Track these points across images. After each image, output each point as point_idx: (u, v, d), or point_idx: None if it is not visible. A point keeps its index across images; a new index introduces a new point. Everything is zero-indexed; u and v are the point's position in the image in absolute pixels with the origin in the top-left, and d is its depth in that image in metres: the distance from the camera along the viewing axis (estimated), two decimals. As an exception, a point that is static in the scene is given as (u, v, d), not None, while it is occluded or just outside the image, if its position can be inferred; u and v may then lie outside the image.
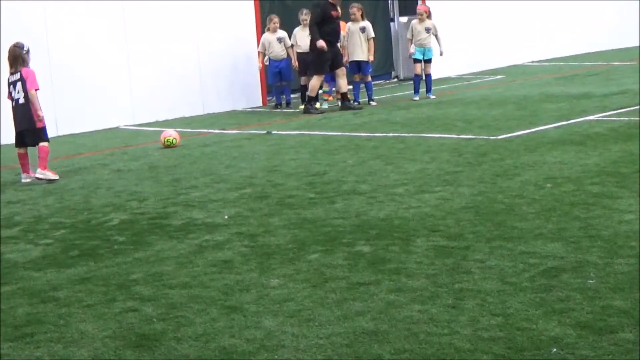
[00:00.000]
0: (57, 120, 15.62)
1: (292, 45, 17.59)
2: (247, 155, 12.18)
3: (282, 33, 17.68)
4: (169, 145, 13.29)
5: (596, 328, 5.02)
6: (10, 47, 11.19)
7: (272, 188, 9.73)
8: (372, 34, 17.30)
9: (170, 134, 13.57)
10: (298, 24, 17.77)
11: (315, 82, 16.68)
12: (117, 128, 16.31)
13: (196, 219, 8.48)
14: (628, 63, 21.97)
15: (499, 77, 21.59)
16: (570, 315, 5.25)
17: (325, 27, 16.45)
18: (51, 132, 15.40)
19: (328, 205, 8.67)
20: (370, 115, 15.71)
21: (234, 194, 9.54)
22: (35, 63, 15.19)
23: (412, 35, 17.48)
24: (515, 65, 24.06)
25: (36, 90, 11.10)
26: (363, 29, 17.16)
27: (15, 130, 11.29)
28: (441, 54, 17.84)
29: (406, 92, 18.76)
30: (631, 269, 6.04)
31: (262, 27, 18.54)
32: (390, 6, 21.94)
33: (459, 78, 21.00)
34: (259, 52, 17.86)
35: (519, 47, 24.38)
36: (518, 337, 4.96)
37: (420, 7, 18.31)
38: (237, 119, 16.71)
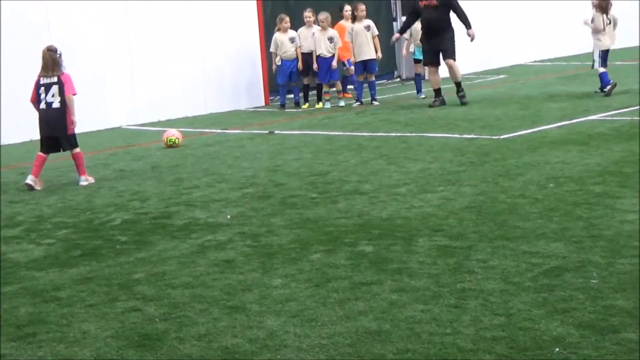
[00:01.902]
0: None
1: (300, 46, 17.56)
2: (249, 155, 12.18)
3: (293, 33, 17.63)
4: (171, 145, 13.29)
5: (599, 328, 5.02)
6: (44, 51, 10.92)
7: (275, 188, 9.73)
8: (377, 32, 17.33)
9: (173, 133, 13.57)
10: (301, 24, 17.76)
11: (430, 77, 16.20)
12: (119, 128, 16.31)
13: (198, 219, 8.48)
14: (630, 63, 21.95)
15: (501, 76, 21.58)
16: (573, 315, 5.25)
17: (420, 19, 16.07)
18: (53, 132, 15.48)
19: (330, 205, 8.67)
20: (373, 115, 15.71)
21: (237, 194, 9.54)
22: (37, 62, 15.27)
23: (411, 35, 17.38)
24: (517, 65, 24.03)
25: (74, 95, 10.97)
26: (368, 27, 17.16)
27: (44, 134, 10.93)
28: None
29: (409, 92, 18.75)
30: (634, 269, 6.04)
31: (264, 27, 18.53)
32: (392, 6, 21.93)
33: (461, 78, 20.96)
34: (271, 52, 17.78)
35: (521, 47, 24.35)
36: (520, 337, 4.96)
37: None
38: (240, 119, 16.71)
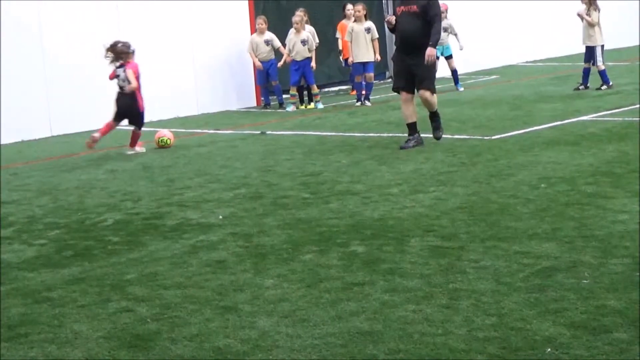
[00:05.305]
0: (51, 121, 15.59)
1: (285, 46, 17.57)
2: (241, 155, 12.18)
3: (269, 35, 17.69)
4: (163, 146, 13.28)
5: (590, 328, 5.03)
6: (114, 44, 13.02)
7: (267, 188, 9.72)
8: (377, 35, 17.40)
9: (165, 134, 13.56)
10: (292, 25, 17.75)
11: (402, 107, 12.29)
12: (111, 128, 16.27)
13: (190, 219, 8.47)
14: (622, 63, 22.00)
15: (493, 77, 21.62)
16: (565, 315, 5.26)
17: (396, 29, 12.10)
18: (45, 133, 15.46)
19: (322, 206, 8.67)
20: (365, 115, 15.72)
21: (229, 194, 9.53)
22: (29, 63, 15.25)
23: None
24: (509, 66, 24.09)
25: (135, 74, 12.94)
26: (368, 30, 17.22)
27: (118, 109, 13.08)
28: (461, 49, 18.93)
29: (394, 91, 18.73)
30: (625, 269, 6.05)
31: (256, 27, 18.54)
32: (384, 5, 21.94)
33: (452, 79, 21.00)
34: (248, 52, 17.84)
35: (513, 48, 24.41)
36: (512, 337, 4.97)
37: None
38: (232, 119, 16.70)
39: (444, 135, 12.36)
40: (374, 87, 18.08)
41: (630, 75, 18.77)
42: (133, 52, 13.21)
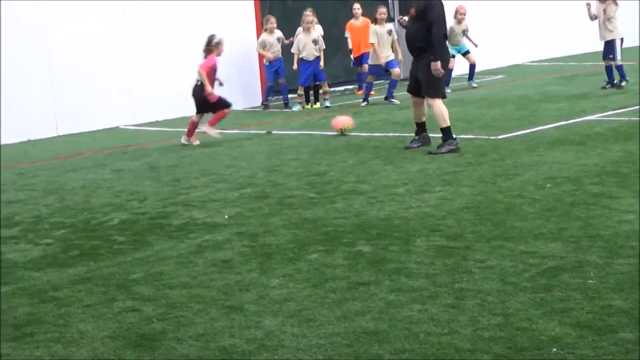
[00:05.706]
0: (57, 120, 15.61)
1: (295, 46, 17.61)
2: (247, 155, 12.18)
3: (279, 33, 17.70)
4: (345, 130, 13.28)
5: (596, 328, 5.02)
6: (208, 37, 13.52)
7: (273, 188, 9.73)
8: (397, 36, 17.50)
9: (343, 121, 13.56)
10: (299, 24, 17.71)
11: (411, 107, 12.29)
12: (117, 128, 16.30)
13: (196, 219, 8.48)
14: (627, 63, 21.95)
15: (498, 77, 21.59)
16: (571, 315, 5.25)
17: None
18: (51, 132, 15.49)
19: (328, 205, 8.67)
20: (371, 115, 15.71)
21: (234, 194, 9.54)
22: (35, 63, 15.28)
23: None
24: (515, 65, 24.06)
25: (206, 72, 13.23)
26: (390, 32, 17.33)
27: (195, 101, 13.56)
28: (476, 46, 19.20)
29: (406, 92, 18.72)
30: (631, 269, 6.04)
31: (262, 27, 18.53)
32: (390, 6, 21.93)
33: (459, 78, 20.95)
34: (258, 52, 17.83)
35: (518, 47, 24.38)
36: (518, 337, 4.96)
37: (460, 8, 18.77)
38: (237, 119, 16.68)
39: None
40: (381, 87, 18.06)
41: (634, 75, 18.72)
42: (216, 44, 13.45)
